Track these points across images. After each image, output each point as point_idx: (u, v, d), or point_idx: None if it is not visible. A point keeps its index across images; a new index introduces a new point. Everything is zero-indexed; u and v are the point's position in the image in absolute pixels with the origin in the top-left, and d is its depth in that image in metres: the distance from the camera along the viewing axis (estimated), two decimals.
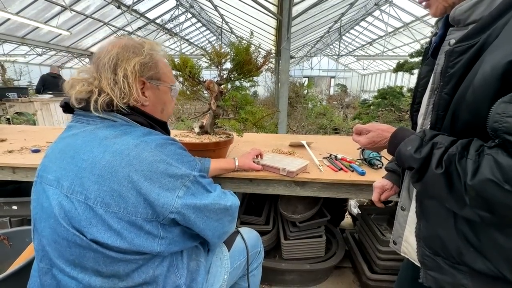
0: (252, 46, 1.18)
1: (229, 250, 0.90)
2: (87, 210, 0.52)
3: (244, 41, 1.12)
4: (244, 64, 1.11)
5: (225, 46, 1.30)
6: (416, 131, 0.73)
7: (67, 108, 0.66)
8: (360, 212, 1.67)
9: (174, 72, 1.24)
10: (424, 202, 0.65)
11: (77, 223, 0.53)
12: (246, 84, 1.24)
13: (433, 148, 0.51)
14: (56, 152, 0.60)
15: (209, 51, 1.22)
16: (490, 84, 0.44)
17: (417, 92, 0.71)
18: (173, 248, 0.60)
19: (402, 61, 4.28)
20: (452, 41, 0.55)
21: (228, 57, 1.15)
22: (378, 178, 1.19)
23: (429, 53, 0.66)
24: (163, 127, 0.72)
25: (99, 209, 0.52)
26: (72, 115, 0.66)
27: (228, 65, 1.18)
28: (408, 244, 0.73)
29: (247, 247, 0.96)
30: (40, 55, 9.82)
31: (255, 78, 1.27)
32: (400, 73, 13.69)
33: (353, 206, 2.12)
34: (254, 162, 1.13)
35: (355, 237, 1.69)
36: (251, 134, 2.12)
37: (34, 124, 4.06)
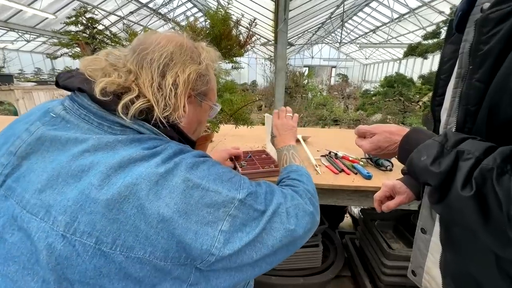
0: (233, 16, 0.93)
1: None
2: (97, 256, 0.37)
3: (222, 10, 0.87)
4: (222, 38, 0.87)
5: (204, 22, 1.05)
6: (439, 132, 0.56)
7: (63, 86, 0.48)
8: (362, 216, 1.48)
9: None
10: (451, 226, 0.50)
11: (76, 275, 0.36)
12: (226, 65, 1.00)
13: (458, 159, 0.38)
14: (45, 157, 0.41)
15: (183, 26, 0.98)
16: None
17: (439, 80, 0.56)
18: None
19: (414, 43, 3.92)
20: (486, 5, 0.42)
21: (203, 32, 0.91)
22: None
23: (454, 26, 0.51)
24: (191, 147, 0.55)
25: (118, 256, 0.37)
26: (69, 101, 0.46)
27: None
28: (430, 277, 0.58)
29: None
30: (28, 41, 9.40)
31: (238, 59, 1.03)
32: (403, 63, 13.31)
33: (354, 206, 1.94)
34: (233, 163, 0.91)
35: (356, 244, 1.50)
36: (241, 127, 1.90)
37: (16, 114, 3.82)
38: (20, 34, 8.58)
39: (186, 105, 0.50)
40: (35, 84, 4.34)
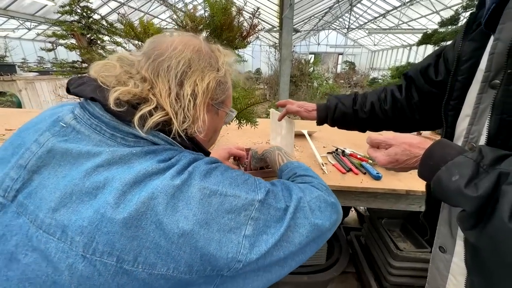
0: (236, 5, 0.85)
1: None
2: (119, 275, 0.36)
3: None
4: (223, 29, 0.80)
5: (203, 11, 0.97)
6: (453, 140, 0.51)
7: (74, 93, 0.45)
8: (368, 214, 1.44)
9: (133, 43, 0.95)
10: (479, 248, 0.44)
11: None
12: None
13: (500, 182, 0.33)
14: (57, 172, 0.40)
15: (181, 14, 0.91)
16: None
17: (456, 82, 0.51)
18: None
19: (429, 30, 3.64)
20: None
21: (203, 22, 0.84)
22: (398, 183, 0.95)
23: (483, 22, 0.44)
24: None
25: (140, 273, 0.36)
26: (80, 110, 0.44)
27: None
28: None
29: None
30: (29, 29, 9.28)
31: (241, 51, 0.96)
32: (414, 50, 12.80)
33: None
34: (234, 163, 0.87)
35: (361, 241, 1.48)
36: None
37: (20, 106, 3.82)
38: (21, 22, 8.46)
39: (205, 116, 0.47)
40: (37, 74, 4.31)
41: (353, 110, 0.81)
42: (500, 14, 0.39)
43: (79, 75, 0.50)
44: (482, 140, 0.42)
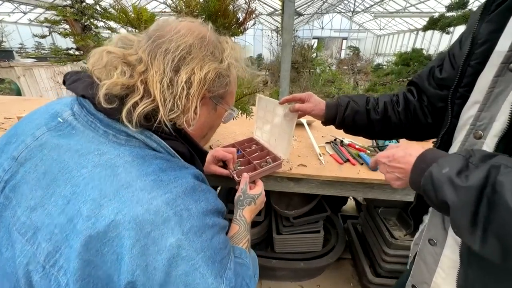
0: None
1: None
2: None
3: None
4: (218, 16, 0.78)
5: None
6: (455, 132, 0.50)
7: (69, 89, 0.44)
8: (365, 203, 1.46)
9: (127, 30, 0.92)
10: None
11: None
12: None
13: (490, 174, 0.32)
14: (37, 167, 0.37)
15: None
16: None
17: (467, 67, 0.48)
18: None
19: (437, 13, 3.47)
20: None
21: (198, 8, 0.81)
22: None
23: None
24: (201, 159, 0.52)
25: None
26: (78, 106, 0.42)
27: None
28: None
29: None
30: (24, 13, 9.03)
31: (241, 38, 0.93)
32: (421, 35, 12.36)
33: None
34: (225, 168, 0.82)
35: (358, 229, 1.50)
36: None
37: (19, 93, 3.80)
38: (16, 5, 8.22)
39: (198, 107, 0.44)
40: (35, 60, 4.25)
41: (366, 109, 0.73)
42: None
43: (76, 70, 0.50)
44: (495, 127, 0.40)
